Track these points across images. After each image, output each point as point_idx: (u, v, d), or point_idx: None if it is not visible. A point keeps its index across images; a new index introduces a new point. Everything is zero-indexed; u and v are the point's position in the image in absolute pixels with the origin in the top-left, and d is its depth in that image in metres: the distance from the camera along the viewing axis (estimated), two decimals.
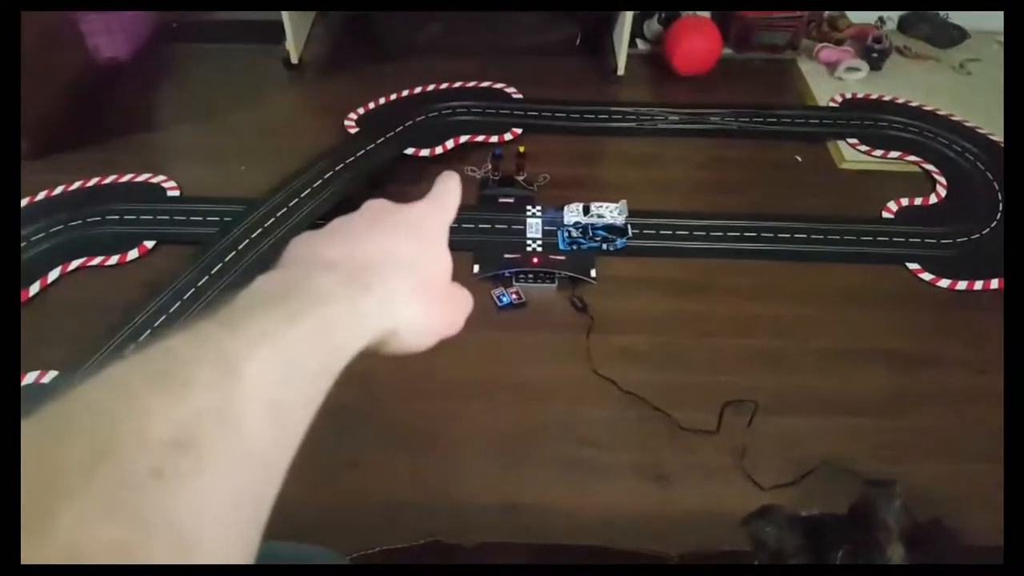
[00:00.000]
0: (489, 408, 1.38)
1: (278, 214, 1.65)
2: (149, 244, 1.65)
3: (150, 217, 1.72)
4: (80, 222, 1.69)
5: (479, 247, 1.67)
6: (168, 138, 2.04)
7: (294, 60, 2.25)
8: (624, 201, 1.74)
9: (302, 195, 1.70)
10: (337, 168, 1.78)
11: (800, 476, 1.27)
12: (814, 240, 1.74)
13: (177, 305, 1.46)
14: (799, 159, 2.01)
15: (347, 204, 1.76)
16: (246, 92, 2.19)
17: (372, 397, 1.37)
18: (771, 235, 1.74)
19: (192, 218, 1.72)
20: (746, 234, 1.75)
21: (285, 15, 2.14)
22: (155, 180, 1.83)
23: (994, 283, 1.65)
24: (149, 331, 1.41)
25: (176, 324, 0.27)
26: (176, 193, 1.80)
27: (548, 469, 1.29)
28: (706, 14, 2.36)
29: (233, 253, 1.56)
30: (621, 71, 2.26)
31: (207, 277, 1.51)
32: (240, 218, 1.66)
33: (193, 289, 1.48)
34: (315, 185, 1.73)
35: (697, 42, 2.26)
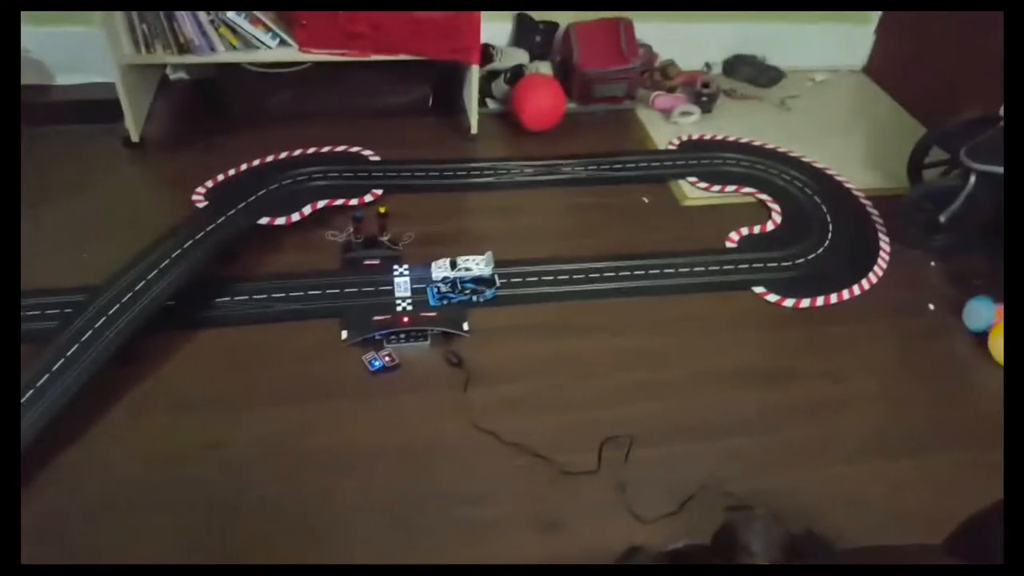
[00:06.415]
0: (370, 477, 1.33)
1: (123, 299, 1.54)
2: None
3: None
4: None
5: (346, 312, 1.63)
6: None
7: (134, 138, 2.15)
8: (490, 252, 1.76)
9: (148, 277, 1.59)
10: (185, 245, 1.70)
11: (680, 504, 1.30)
12: (666, 274, 1.83)
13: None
14: (646, 200, 2.12)
15: (201, 280, 1.65)
16: (84, 174, 2.06)
17: (234, 476, 1.30)
18: (627, 273, 1.82)
19: (29, 313, 1.57)
20: (605, 274, 1.82)
21: (121, 93, 2.05)
22: None
23: (833, 298, 1.79)
24: None
25: None
26: None
27: (437, 532, 1.25)
28: (548, 72, 2.47)
29: (76, 346, 1.43)
30: (475, 129, 2.31)
31: (47, 375, 1.37)
32: (81, 308, 1.53)
33: (32, 391, 1.34)
34: (163, 265, 1.63)
35: (543, 99, 2.35)
